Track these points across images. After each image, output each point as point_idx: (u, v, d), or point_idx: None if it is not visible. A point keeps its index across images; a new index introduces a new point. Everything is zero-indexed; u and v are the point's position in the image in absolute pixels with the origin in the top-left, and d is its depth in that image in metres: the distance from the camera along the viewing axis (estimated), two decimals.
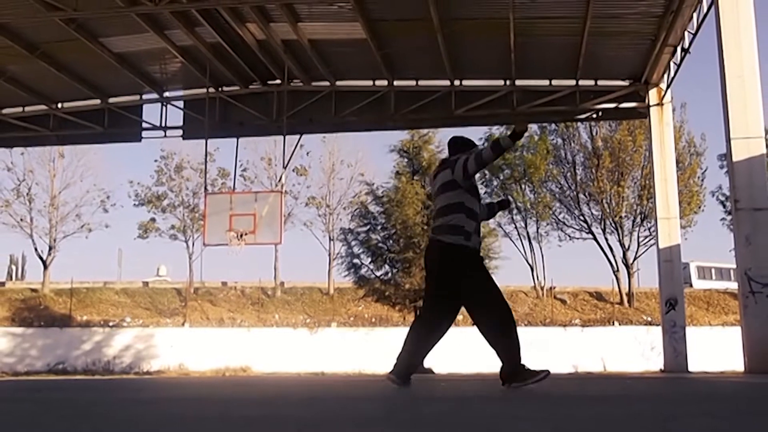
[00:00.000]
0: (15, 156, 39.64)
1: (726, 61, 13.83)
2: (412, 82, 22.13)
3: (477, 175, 6.97)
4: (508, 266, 60.85)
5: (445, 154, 25.49)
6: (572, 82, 21.43)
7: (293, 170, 40.45)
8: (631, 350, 30.97)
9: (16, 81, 21.90)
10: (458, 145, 7.18)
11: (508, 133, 6.86)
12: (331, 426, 3.18)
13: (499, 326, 6.84)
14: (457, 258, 6.75)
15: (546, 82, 21.74)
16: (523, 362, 6.77)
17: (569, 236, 40.54)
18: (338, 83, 22.29)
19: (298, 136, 23.85)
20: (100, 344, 33.64)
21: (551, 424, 3.23)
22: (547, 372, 6.71)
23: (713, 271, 43.70)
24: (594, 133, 38.41)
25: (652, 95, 21.01)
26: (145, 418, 3.84)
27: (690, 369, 19.77)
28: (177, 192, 42.15)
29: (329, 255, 40.43)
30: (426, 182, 28.13)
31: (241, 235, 20.59)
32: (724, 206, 40.22)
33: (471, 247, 6.79)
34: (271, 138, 34.60)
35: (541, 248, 41.41)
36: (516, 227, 41.30)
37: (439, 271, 6.85)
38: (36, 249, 39.70)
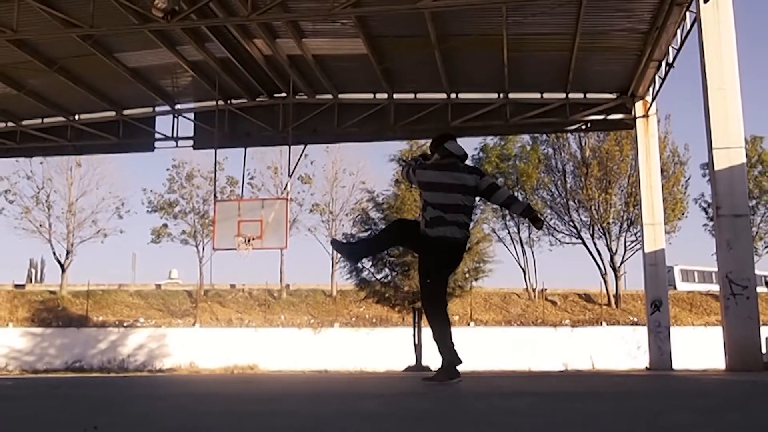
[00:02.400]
0: (34, 165, 39.75)
1: (708, 75, 13.83)
2: (411, 95, 22.12)
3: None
4: (502, 269, 60.79)
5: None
6: (562, 95, 21.43)
7: (298, 179, 40.49)
8: (618, 349, 30.95)
9: (36, 94, 21.92)
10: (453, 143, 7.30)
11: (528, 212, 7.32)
12: (335, 421, 3.18)
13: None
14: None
15: (537, 95, 21.72)
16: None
17: (560, 241, 40.62)
18: (341, 96, 22.29)
19: (302, 146, 23.83)
20: (115, 343, 33.65)
21: (543, 419, 3.23)
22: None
23: (696, 274, 43.65)
24: (583, 144, 38.48)
25: (638, 107, 21.02)
26: (158, 413, 3.84)
27: (674, 367, 19.74)
28: (188, 199, 42.22)
29: (332, 259, 40.40)
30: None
31: (249, 240, 20.58)
32: (707, 213, 40.28)
33: None
34: (277, 148, 34.74)
35: (533, 252, 41.53)
36: (509, 233, 41.41)
37: (456, 265, 7.31)
38: (54, 253, 39.77)
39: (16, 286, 40.56)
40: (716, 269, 15.27)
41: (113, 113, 23.39)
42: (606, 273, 38.60)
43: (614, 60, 19.58)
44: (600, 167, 37.45)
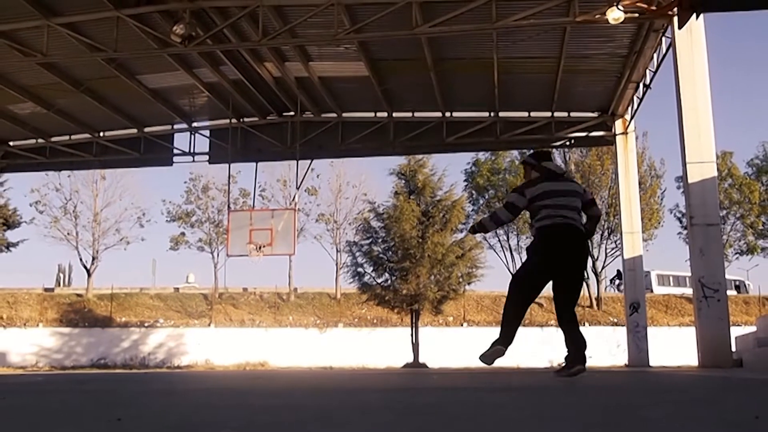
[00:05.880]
0: (63, 178, 39.82)
1: (682, 95, 13.85)
2: (409, 114, 22.13)
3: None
4: (493, 274, 61.06)
5: (437, 176, 24.95)
6: (548, 114, 21.45)
7: (305, 190, 40.50)
8: (600, 348, 30.83)
9: (64, 113, 21.94)
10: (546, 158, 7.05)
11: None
12: (339, 413, 3.17)
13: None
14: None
15: (525, 114, 21.73)
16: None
17: None
18: (344, 115, 22.31)
19: (309, 161, 23.84)
20: (136, 342, 33.65)
21: (530, 411, 3.23)
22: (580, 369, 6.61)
23: (671, 278, 43.55)
24: (567, 158, 38.52)
25: (618, 125, 21.03)
26: (176, 406, 3.83)
27: (651, 364, 19.71)
28: (204, 209, 42.22)
29: (336, 264, 40.39)
30: (420, 201, 28.16)
31: (260, 247, 20.57)
32: (681, 222, 40.28)
33: None
34: (285, 162, 34.63)
35: (521, 259, 41.43)
36: (499, 240, 41.51)
37: (580, 255, 6.77)
38: (81, 259, 39.79)
39: (46, 290, 40.57)
40: (690, 274, 15.26)
41: (135, 130, 23.41)
42: (588, 277, 38.56)
43: (596, 81, 19.61)
44: (583, 180, 37.41)
